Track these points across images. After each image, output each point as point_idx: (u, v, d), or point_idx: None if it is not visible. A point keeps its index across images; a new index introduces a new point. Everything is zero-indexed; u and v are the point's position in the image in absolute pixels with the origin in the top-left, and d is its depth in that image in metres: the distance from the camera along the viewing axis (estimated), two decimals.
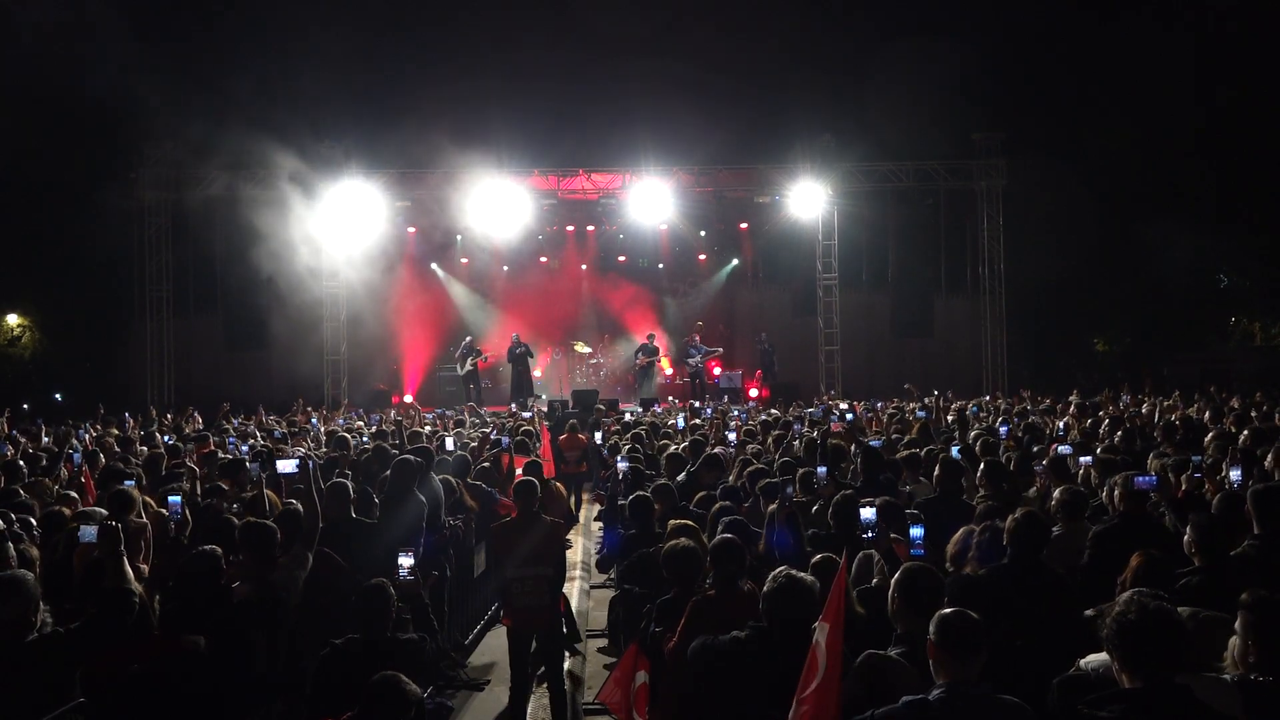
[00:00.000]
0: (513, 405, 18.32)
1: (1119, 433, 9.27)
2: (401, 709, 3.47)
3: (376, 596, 4.33)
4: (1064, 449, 7.91)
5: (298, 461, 6.47)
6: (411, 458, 7.00)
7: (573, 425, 12.75)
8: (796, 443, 9.33)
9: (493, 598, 8.32)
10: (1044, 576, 4.49)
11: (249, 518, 5.53)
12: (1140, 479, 5.57)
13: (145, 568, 5.16)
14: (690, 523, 5.64)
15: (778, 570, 3.99)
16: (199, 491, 7.18)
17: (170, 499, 5.70)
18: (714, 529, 5.51)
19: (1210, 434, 8.78)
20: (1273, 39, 25.35)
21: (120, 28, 20.47)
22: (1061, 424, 11.78)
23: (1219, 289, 30.79)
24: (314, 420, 15.04)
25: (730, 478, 7.79)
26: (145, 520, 5.64)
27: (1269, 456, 6.76)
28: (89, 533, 4.80)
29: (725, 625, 4.05)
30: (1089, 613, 4.06)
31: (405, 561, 4.98)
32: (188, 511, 5.76)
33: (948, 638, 3.10)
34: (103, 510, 6.03)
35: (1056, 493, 5.83)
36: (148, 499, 6.19)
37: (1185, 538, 4.55)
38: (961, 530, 5.17)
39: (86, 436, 11.76)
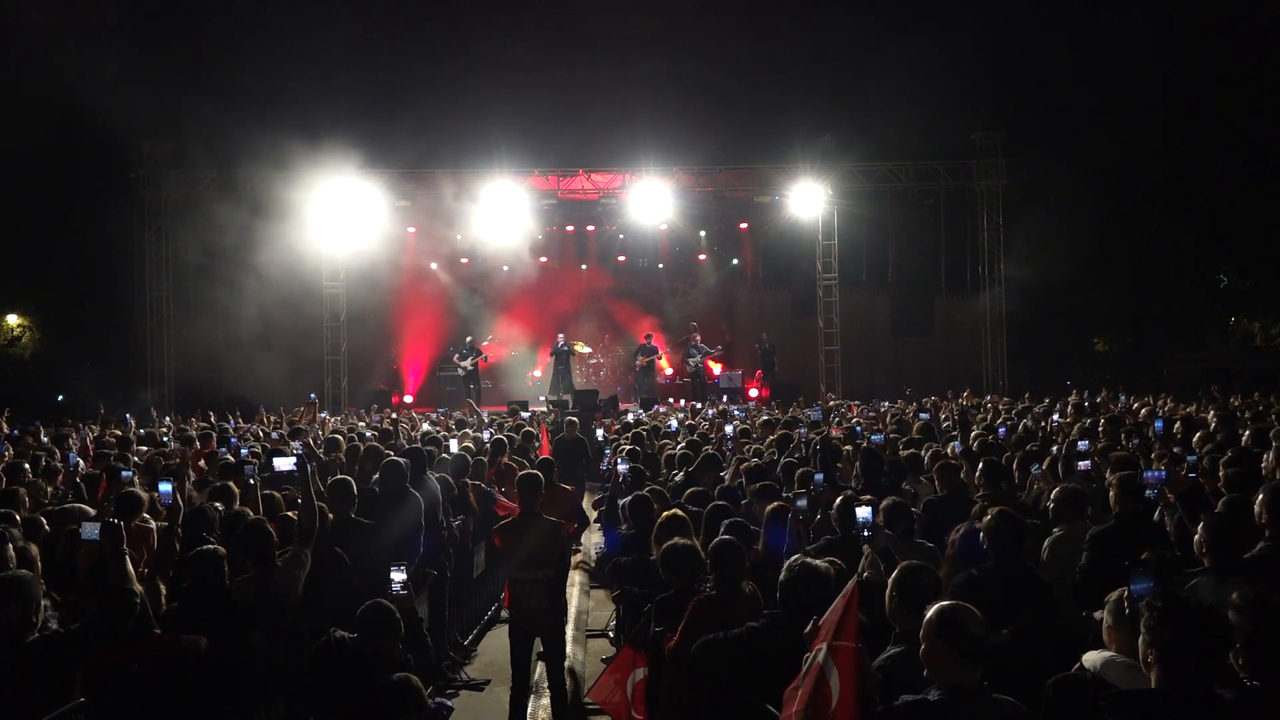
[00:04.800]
0: (545, 398, 18.55)
1: (1120, 433, 9.26)
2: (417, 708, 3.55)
3: (381, 617, 4.31)
4: (1063, 418, 7.88)
5: (296, 460, 6.46)
6: (402, 459, 7.00)
7: (569, 423, 12.75)
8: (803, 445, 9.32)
9: (493, 598, 8.33)
10: (1023, 577, 4.49)
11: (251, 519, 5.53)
12: (1149, 474, 5.55)
13: (145, 569, 5.16)
14: (680, 514, 5.64)
15: (793, 559, 4.02)
16: (193, 493, 7.15)
17: (160, 486, 5.68)
18: (710, 529, 5.51)
19: (1199, 434, 8.77)
20: (1273, 39, 25.35)
21: (120, 27, 20.49)
22: (1055, 419, 11.79)
23: (1219, 289, 30.82)
24: (323, 413, 15.05)
25: (726, 477, 7.80)
26: (150, 525, 5.63)
27: (1269, 456, 6.75)
28: (91, 530, 4.80)
29: (726, 626, 4.06)
30: (1097, 615, 4.06)
31: (398, 576, 4.87)
32: (179, 498, 5.76)
33: (949, 635, 3.10)
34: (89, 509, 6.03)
35: (1054, 492, 5.81)
36: (155, 495, 6.18)
37: (1195, 538, 4.52)
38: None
39: (88, 437, 11.75)
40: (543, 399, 20.07)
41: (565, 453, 11.16)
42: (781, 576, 3.96)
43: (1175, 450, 7.95)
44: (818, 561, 4.03)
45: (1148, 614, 2.87)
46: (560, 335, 21.78)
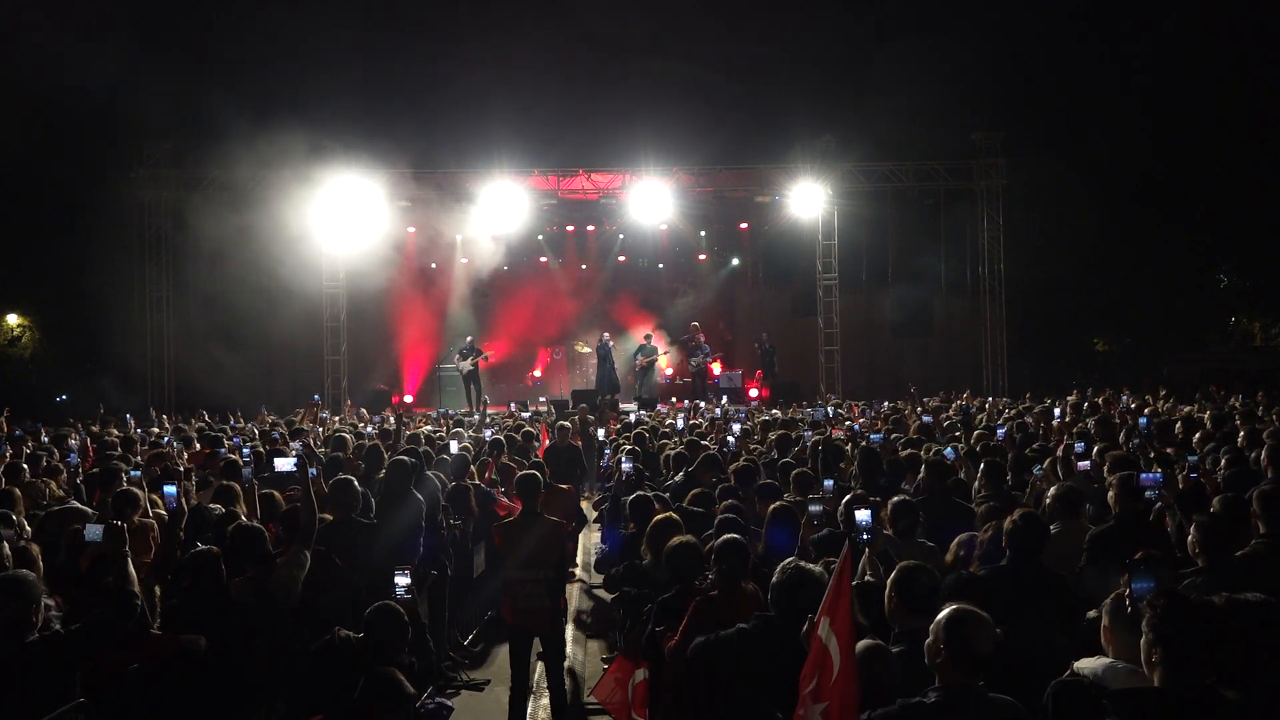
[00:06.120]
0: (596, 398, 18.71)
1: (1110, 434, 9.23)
2: (397, 703, 3.52)
3: (390, 619, 4.30)
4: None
5: (296, 460, 6.47)
6: (406, 458, 7.00)
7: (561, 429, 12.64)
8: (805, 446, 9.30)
9: (493, 598, 8.32)
10: (1042, 577, 4.49)
11: (240, 521, 5.54)
12: (1146, 476, 5.54)
13: (147, 562, 5.16)
14: (674, 516, 5.65)
15: (786, 562, 4.02)
16: (193, 493, 7.14)
17: (166, 489, 5.69)
18: (721, 529, 5.51)
19: (1198, 433, 8.75)
20: (1271, 38, 25.34)
21: (121, 27, 20.51)
22: (1058, 411, 11.77)
23: (1219, 289, 30.82)
24: (324, 414, 15.03)
25: (730, 477, 7.78)
26: (151, 520, 5.64)
27: (1261, 454, 6.74)
28: (95, 532, 4.80)
29: (728, 625, 4.06)
30: (1092, 614, 4.07)
31: (402, 581, 4.86)
32: (184, 502, 5.76)
33: (955, 640, 3.10)
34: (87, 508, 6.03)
35: (1051, 490, 5.82)
36: (154, 496, 6.20)
37: (1189, 538, 4.53)
38: (963, 535, 5.18)
39: (88, 438, 11.74)
40: (543, 400, 20.08)
41: (558, 462, 10.26)
42: (774, 579, 3.97)
43: (1167, 450, 7.95)
44: (811, 565, 4.03)
45: (1151, 612, 2.88)
46: (605, 334, 21.82)
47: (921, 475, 6.59)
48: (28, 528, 5.88)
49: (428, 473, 7.63)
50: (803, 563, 4.04)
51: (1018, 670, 3.45)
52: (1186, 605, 2.86)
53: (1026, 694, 3.18)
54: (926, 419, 11.41)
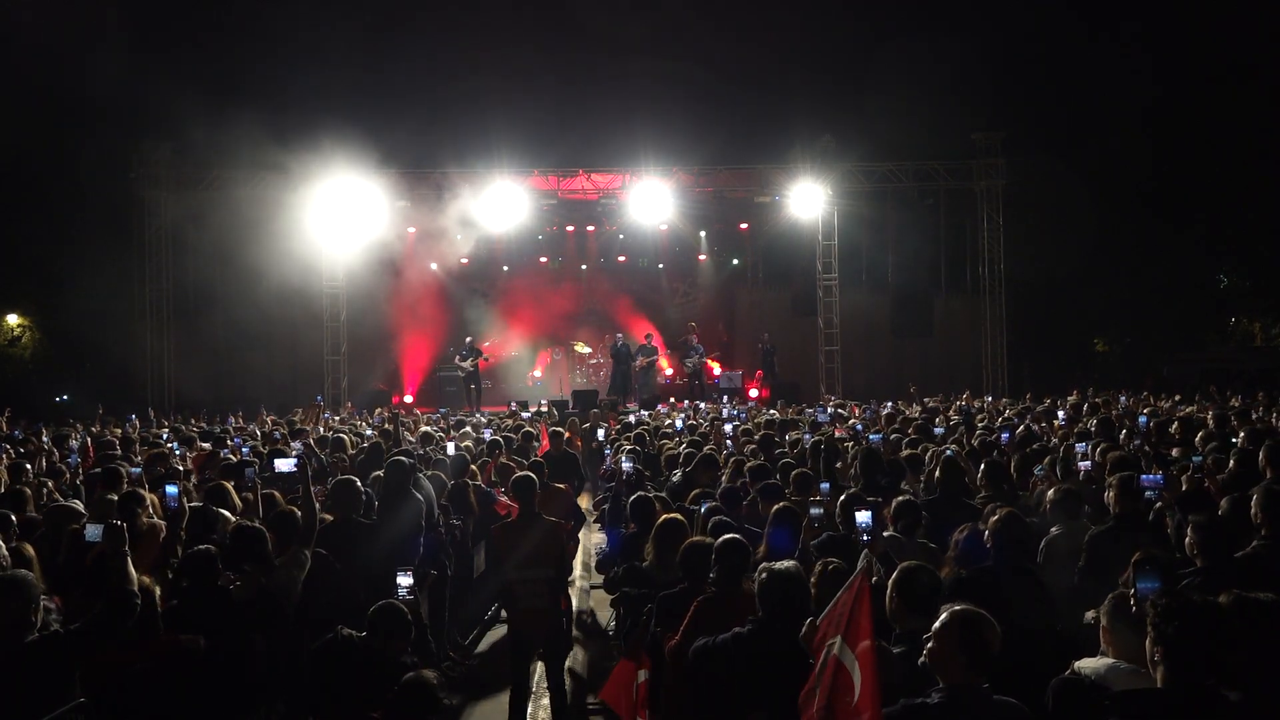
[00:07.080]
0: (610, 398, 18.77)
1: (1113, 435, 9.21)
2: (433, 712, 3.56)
3: (393, 618, 4.30)
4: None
5: (296, 461, 6.46)
6: (404, 458, 6.99)
7: (554, 434, 12.55)
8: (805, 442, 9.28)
9: (493, 598, 8.33)
10: (1025, 579, 4.48)
11: (239, 521, 5.53)
12: (1146, 477, 5.54)
13: (148, 564, 5.16)
14: (680, 518, 5.65)
15: (763, 566, 4.03)
16: (191, 492, 7.13)
17: (167, 488, 5.69)
18: (715, 530, 5.51)
19: (1200, 433, 8.74)
20: (1271, 39, 25.35)
21: (121, 27, 20.51)
22: (1060, 414, 11.75)
23: (1219, 289, 30.82)
24: (325, 414, 15.04)
25: (725, 478, 7.78)
26: (160, 521, 5.63)
27: (1260, 455, 6.73)
28: (94, 531, 4.79)
29: (729, 625, 4.06)
30: (1090, 615, 4.06)
31: (404, 581, 4.86)
32: (185, 501, 5.76)
33: (962, 640, 3.10)
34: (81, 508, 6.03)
35: (1050, 492, 5.81)
36: (154, 497, 6.18)
37: (1187, 539, 4.53)
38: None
39: (88, 438, 11.73)
40: (543, 400, 20.04)
41: (554, 467, 9.44)
42: (756, 585, 3.98)
43: (1164, 451, 7.93)
44: (786, 565, 4.04)
45: (1153, 612, 2.87)
46: (619, 335, 21.86)
47: (937, 475, 6.57)
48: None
49: (422, 473, 7.61)
50: (776, 565, 4.03)
51: (1008, 670, 3.45)
52: (1189, 605, 2.86)
53: (1017, 695, 3.17)
54: (938, 431, 11.26)
